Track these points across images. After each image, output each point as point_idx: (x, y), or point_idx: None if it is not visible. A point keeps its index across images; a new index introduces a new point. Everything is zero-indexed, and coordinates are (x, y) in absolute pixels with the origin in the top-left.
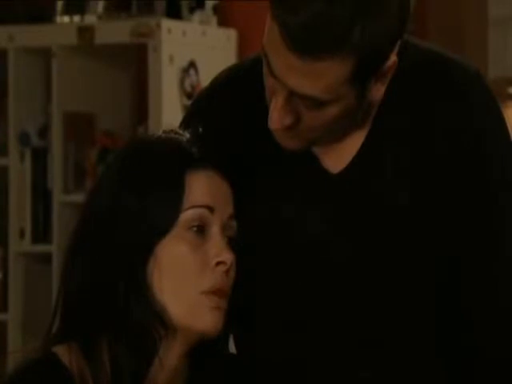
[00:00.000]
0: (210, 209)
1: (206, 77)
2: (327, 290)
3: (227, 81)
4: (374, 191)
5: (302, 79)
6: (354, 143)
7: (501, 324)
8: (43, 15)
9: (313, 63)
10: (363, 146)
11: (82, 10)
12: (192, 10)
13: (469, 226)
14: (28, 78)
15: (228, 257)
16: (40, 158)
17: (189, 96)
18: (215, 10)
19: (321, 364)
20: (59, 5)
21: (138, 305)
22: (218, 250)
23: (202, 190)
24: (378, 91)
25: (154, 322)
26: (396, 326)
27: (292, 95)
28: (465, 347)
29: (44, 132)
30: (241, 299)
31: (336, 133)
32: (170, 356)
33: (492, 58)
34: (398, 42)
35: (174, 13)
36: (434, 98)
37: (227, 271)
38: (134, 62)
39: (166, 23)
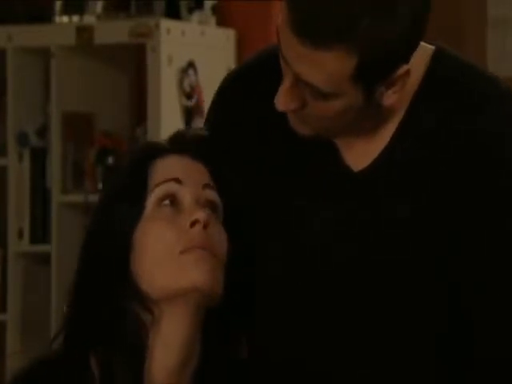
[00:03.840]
0: (177, 180)
1: (204, 77)
2: (331, 290)
3: (246, 75)
4: (393, 193)
5: (305, 66)
6: (379, 142)
7: (501, 326)
8: (42, 15)
9: (314, 51)
10: (387, 146)
11: (80, 10)
12: (191, 10)
13: (482, 230)
14: (27, 77)
15: (201, 214)
16: (39, 158)
17: (188, 96)
18: (214, 10)
19: (320, 364)
20: (58, 5)
21: (126, 301)
22: (192, 212)
23: (168, 169)
24: (389, 98)
25: (142, 314)
26: (397, 325)
27: (298, 80)
28: (465, 347)
29: (43, 132)
30: (244, 299)
31: (349, 128)
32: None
33: (491, 58)
34: (410, 53)
35: (172, 13)
36: (463, 111)
37: (205, 228)
38: (133, 62)
39: (165, 23)
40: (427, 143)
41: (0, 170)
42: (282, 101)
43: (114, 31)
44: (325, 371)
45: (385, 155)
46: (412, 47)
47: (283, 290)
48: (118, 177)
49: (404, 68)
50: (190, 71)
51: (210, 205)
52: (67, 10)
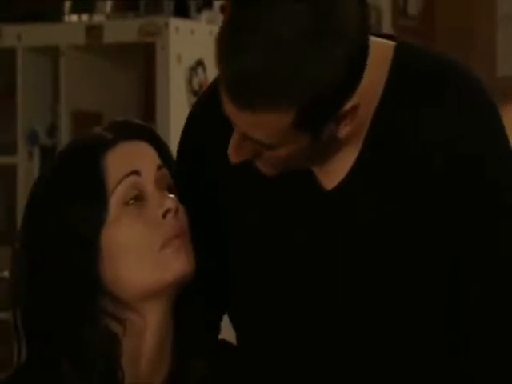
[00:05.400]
0: (136, 172)
1: (213, 75)
2: (320, 300)
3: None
4: (366, 208)
5: (246, 126)
6: (350, 156)
7: (501, 341)
8: (51, 14)
9: (252, 115)
10: (358, 159)
11: (90, 9)
12: (200, 9)
13: (468, 233)
14: (36, 76)
15: (170, 202)
16: (48, 156)
17: (196, 94)
18: (223, 9)
19: (317, 368)
20: (67, 4)
21: (94, 313)
22: (160, 202)
23: (122, 160)
24: (342, 130)
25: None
26: (391, 334)
27: (244, 135)
28: (465, 363)
29: (52, 130)
30: (234, 305)
31: (313, 157)
32: (149, 340)
33: (501, 57)
34: (352, 90)
35: (181, 12)
36: (428, 109)
37: (175, 215)
38: (142, 60)
39: (174, 22)
40: (397, 151)
41: (10, 168)
42: (233, 154)
43: (123, 30)
44: (322, 375)
45: (356, 170)
46: (353, 84)
47: (276, 299)
48: (68, 176)
49: (350, 103)
50: (199, 70)
51: (167, 185)
52: (76, 9)
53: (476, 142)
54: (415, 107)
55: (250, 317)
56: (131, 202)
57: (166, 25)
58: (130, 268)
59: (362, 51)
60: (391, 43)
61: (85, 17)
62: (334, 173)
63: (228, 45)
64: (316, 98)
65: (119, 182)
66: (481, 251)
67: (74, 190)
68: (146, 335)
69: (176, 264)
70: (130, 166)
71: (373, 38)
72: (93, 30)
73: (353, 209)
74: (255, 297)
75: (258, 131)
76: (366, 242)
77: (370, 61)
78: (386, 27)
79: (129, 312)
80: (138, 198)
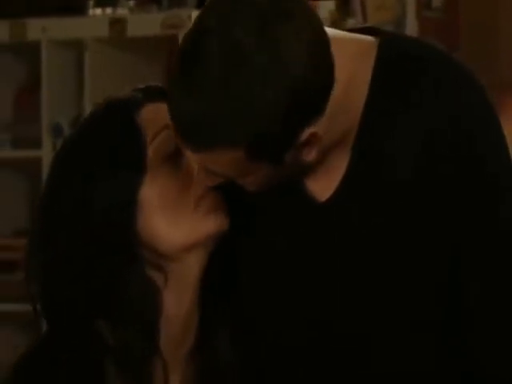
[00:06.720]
0: (167, 126)
1: None
2: (320, 307)
3: None
4: (364, 216)
5: (200, 162)
6: (338, 166)
7: (501, 341)
8: (76, 8)
9: (201, 155)
10: (348, 169)
11: (114, 3)
12: None
13: (468, 232)
14: (61, 69)
15: None
16: None
17: None
18: None
19: (318, 369)
20: None
21: (135, 270)
22: None
23: (154, 118)
24: (308, 155)
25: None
26: (391, 336)
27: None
28: (465, 363)
29: (76, 123)
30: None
31: (291, 175)
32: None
33: None
34: (306, 122)
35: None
36: (420, 106)
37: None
38: (165, 53)
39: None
40: (389, 152)
41: (34, 160)
42: (202, 181)
43: (147, 23)
44: (319, 378)
45: (348, 179)
46: (304, 118)
47: (274, 317)
48: (104, 134)
49: (307, 132)
50: None
51: None
52: (100, 2)
53: (476, 142)
54: (405, 104)
55: (250, 318)
56: (167, 157)
57: (189, 17)
58: (166, 224)
59: (312, 87)
60: (374, 40)
61: (109, 10)
62: (326, 183)
63: (173, 87)
64: (260, 136)
65: (155, 136)
66: (481, 251)
67: (111, 147)
68: (186, 284)
69: (217, 216)
70: (163, 121)
71: (355, 36)
72: (116, 24)
73: (349, 218)
74: (255, 303)
75: (214, 167)
76: (365, 249)
77: (351, 60)
78: (410, 19)
79: (170, 261)
80: (173, 154)
